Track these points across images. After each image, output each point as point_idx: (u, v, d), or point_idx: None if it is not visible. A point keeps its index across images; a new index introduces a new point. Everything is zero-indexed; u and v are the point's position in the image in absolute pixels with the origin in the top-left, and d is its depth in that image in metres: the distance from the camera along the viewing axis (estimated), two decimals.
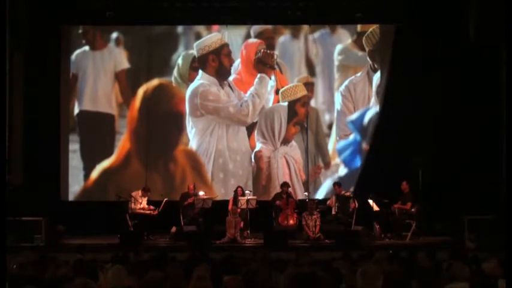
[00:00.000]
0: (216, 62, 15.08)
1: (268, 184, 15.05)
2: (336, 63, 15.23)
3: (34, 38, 14.56)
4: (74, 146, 15.12)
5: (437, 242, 12.95)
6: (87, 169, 15.08)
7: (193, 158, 15.12)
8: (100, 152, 15.17)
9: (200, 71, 15.10)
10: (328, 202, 14.15)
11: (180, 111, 15.16)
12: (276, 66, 15.15)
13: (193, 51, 15.18)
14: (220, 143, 15.01)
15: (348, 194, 13.96)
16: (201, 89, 15.02)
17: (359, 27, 15.27)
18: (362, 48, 15.23)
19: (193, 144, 15.09)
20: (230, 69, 15.13)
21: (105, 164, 15.08)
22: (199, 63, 15.14)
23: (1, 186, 3.75)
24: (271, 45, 15.21)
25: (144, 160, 15.08)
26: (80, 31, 15.28)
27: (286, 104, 15.13)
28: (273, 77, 15.12)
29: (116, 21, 15.06)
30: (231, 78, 15.15)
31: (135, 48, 15.41)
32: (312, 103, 15.26)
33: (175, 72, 15.20)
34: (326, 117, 15.32)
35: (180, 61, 15.20)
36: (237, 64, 15.14)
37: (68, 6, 14.73)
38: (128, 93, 15.30)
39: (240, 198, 13.76)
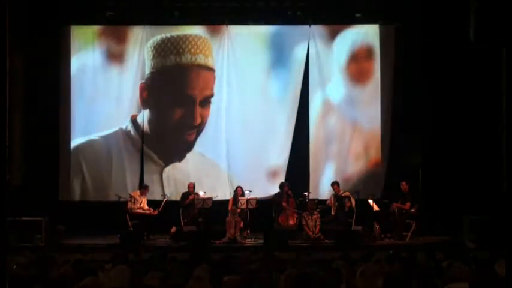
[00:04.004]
0: None
1: None
2: (336, 62, 15.20)
3: (34, 38, 14.56)
4: (75, 144, 15.09)
5: (437, 242, 12.95)
6: (88, 168, 15.05)
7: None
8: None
9: None
10: (328, 202, 14.17)
11: None
12: None
13: None
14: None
15: (346, 193, 13.98)
16: None
17: (359, 27, 15.25)
18: (362, 48, 15.20)
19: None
20: None
21: (106, 163, 15.06)
22: None
23: (1, 186, 3.75)
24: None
25: (144, 160, 15.09)
26: (81, 31, 15.25)
27: None
28: None
29: (116, 21, 15.06)
30: None
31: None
32: None
33: None
34: None
35: None
36: None
37: (68, 6, 14.73)
38: None
39: (240, 198, 13.77)
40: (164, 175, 15.02)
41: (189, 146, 15.14)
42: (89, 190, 15.02)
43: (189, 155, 15.14)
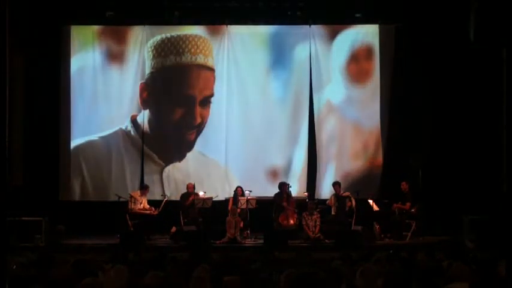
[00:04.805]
0: None
1: None
2: (336, 62, 15.20)
3: (34, 38, 14.57)
4: (75, 145, 15.08)
5: (437, 242, 12.95)
6: (88, 169, 15.04)
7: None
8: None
9: None
10: (328, 202, 14.17)
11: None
12: None
13: None
14: None
15: (346, 194, 13.99)
16: None
17: (359, 27, 15.25)
18: (362, 48, 15.20)
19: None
20: None
21: (106, 163, 15.06)
22: None
23: (1, 186, 3.75)
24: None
25: (144, 159, 15.09)
26: (81, 31, 15.25)
27: None
28: None
29: (116, 21, 15.06)
30: None
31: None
32: None
33: None
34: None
35: None
36: None
37: (68, 6, 14.73)
38: None
39: (240, 198, 13.77)
40: (164, 175, 15.03)
41: (189, 146, 15.15)
42: (89, 190, 15.01)
43: (189, 155, 15.14)
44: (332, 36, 15.21)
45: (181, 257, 7.74)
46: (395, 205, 13.77)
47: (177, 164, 15.12)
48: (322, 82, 15.18)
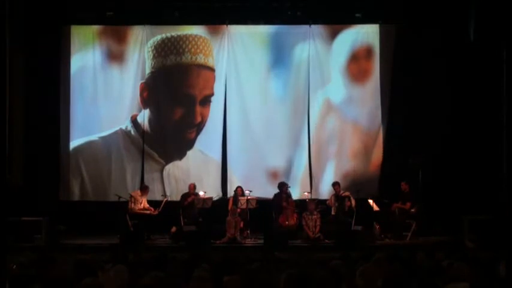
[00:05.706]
0: None
1: None
2: (336, 62, 15.20)
3: (34, 38, 14.58)
4: (74, 146, 15.09)
5: (437, 242, 12.96)
6: (87, 169, 15.04)
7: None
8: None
9: None
10: (328, 202, 14.18)
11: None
12: None
13: None
14: None
15: (346, 193, 13.99)
16: None
17: (359, 27, 15.25)
18: (362, 48, 15.21)
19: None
20: None
21: (106, 163, 15.06)
22: None
23: (1, 186, 3.76)
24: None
25: (144, 158, 15.10)
26: (81, 31, 15.25)
27: None
28: None
29: (116, 21, 15.06)
30: None
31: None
32: None
33: None
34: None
35: None
36: None
37: (68, 6, 14.74)
38: None
39: (240, 198, 13.77)
40: (165, 173, 15.04)
41: (190, 144, 15.16)
42: (88, 190, 15.01)
43: (189, 153, 15.15)
44: (332, 36, 15.21)
45: (181, 257, 7.75)
46: (395, 205, 13.78)
47: (177, 163, 15.13)
48: (322, 82, 15.18)
